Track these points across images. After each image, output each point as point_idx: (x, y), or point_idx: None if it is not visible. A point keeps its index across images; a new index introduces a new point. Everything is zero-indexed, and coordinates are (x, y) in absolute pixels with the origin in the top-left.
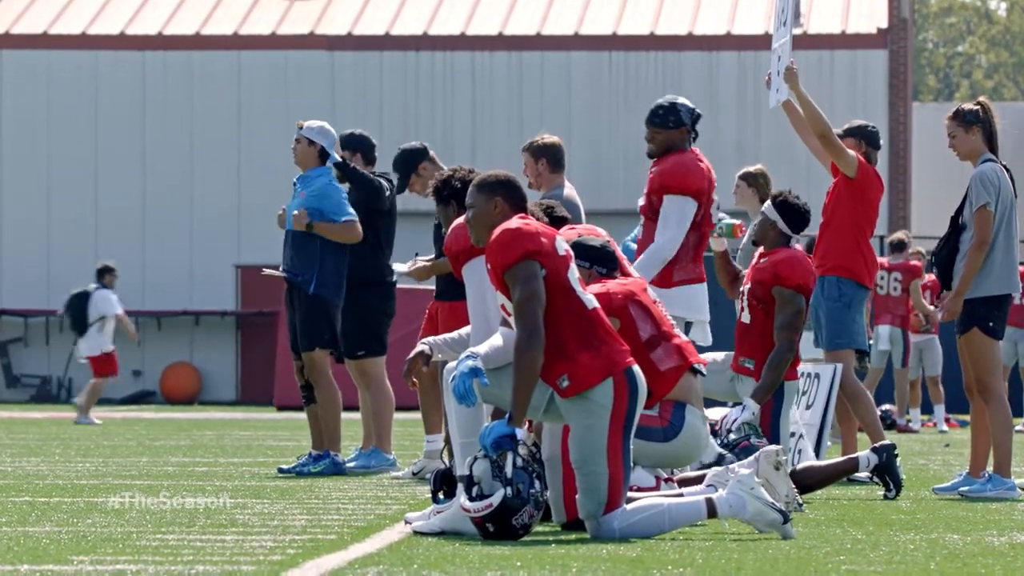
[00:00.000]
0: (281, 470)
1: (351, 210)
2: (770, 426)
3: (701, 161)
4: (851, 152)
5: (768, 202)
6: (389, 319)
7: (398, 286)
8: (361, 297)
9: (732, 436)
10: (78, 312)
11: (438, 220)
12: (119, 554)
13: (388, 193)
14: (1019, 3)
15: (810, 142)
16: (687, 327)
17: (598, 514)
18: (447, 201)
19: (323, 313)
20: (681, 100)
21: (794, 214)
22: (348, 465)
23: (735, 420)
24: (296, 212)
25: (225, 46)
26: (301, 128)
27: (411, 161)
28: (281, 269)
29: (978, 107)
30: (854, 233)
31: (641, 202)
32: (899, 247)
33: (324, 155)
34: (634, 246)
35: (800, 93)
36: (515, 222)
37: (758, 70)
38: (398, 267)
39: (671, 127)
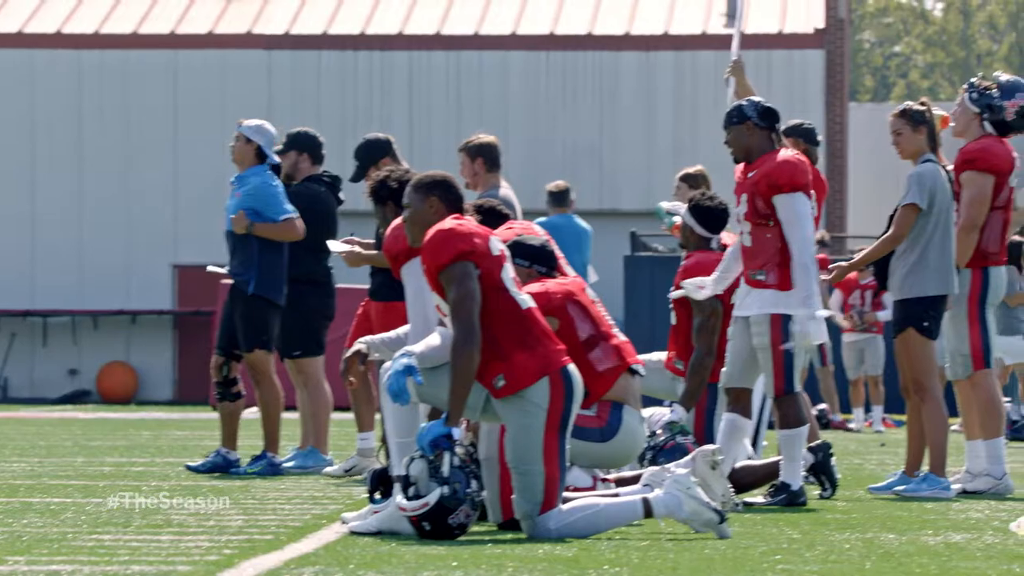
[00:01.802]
0: (188, 467)
1: (289, 207)
2: (703, 426)
3: (800, 155)
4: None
5: (684, 208)
6: (328, 320)
7: (337, 285)
8: (300, 298)
9: (659, 436)
10: None
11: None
12: (54, 554)
13: (324, 195)
14: (955, 4)
15: None
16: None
17: (534, 514)
18: (384, 202)
19: (263, 313)
20: (752, 99)
21: (708, 216)
22: (285, 465)
23: (660, 420)
24: (234, 216)
25: (162, 45)
26: (240, 125)
27: (373, 153)
28: (227, 267)
29: (924, 107)
30: None
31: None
32: (819, 246)
33: (261, 154)
34: None
35: (746, 86)
36: (449, 222)
37: (695, 70)
38: (333, 245)
39: (735, 122)
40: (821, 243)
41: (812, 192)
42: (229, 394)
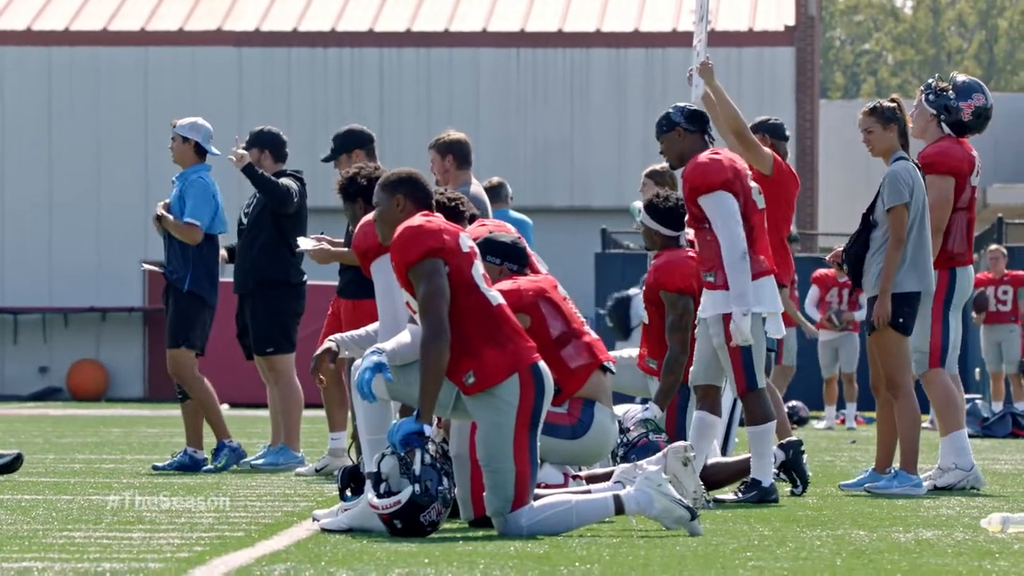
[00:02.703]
0: (155, 467)
1: (201, 213)
2: (675, 423)
3: (717, 153)
4: (766, 149)
5: (641, 211)
6: (298, 318)
7: (309, 282)
8: (271, 296)
9: (632, 433)
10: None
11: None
12: (25, 552)
13: (296, 196)
14: (925, 1)
15: (729, 139)
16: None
17: (505, 511)
18: (353, 199)
19: (196, 312)
20: (678, 104)
21: (666, 216)
22: (256, 462)
23: (634, 417)
24: (159, 204)
25: (132, 42)
26: (175, 126)
27: (349, 141)
28: (160, 266)
29: (894, 104)
30: (771, 231)
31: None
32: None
33: (200, 150)
34: None
35: (716, 88)
36: (418, 219)
37: (666, 67)
38: (302, 242)
39: (665, 131)
40: (792, 239)
41: (755, 185)
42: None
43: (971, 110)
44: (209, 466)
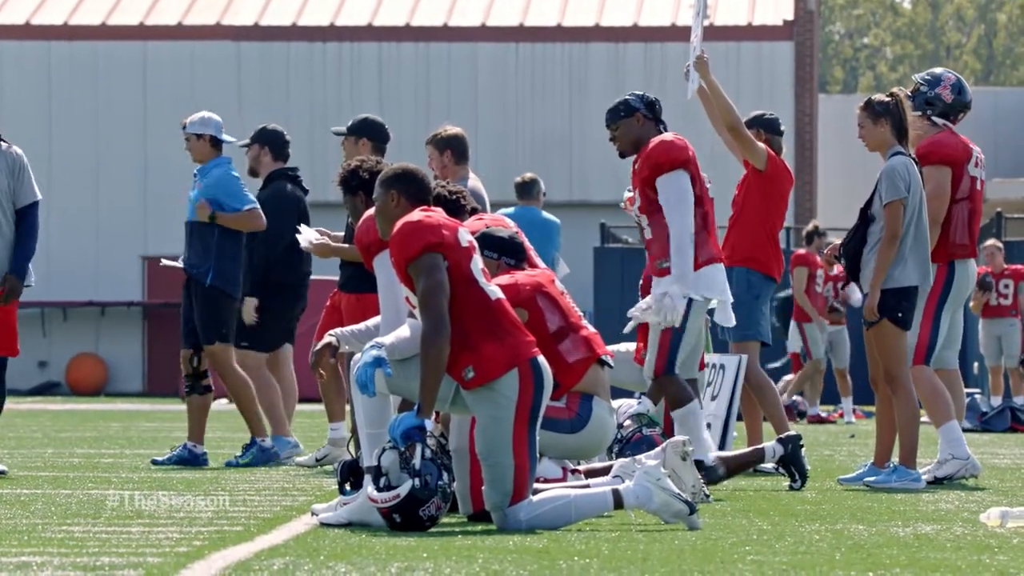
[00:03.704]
0: (154, 462)
1: (252, 197)
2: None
3: (678, 136)
4: (760, 144)
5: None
6: (281, 313)
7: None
8: (270, 296)
9: (626, 428)
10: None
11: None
12: (24, 546)
13: (290, 194)
14: None
15: (724, 134)
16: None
17: (504, 505)
18: (354, 191)
19: (222, 305)
20: (635, 92)
21: None
22: (245, 461)
23: (627, 412)
24: (198, 204)
25: (131, 36)
26: (185, 126)
27: (363, 129)
28: (180, 260)
29: (889, 99)
30: (764, 225)
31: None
32: (817, 236)
33: (216, 142)
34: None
35: (711, 82)
36: (417, 215)
37: (665, 62)
38: (304, 235)
39: (623, 116)
40: (819, 233)
41: (705, 176)
42: (199, 387)
43: (948, 90)
44: (233, 459)
